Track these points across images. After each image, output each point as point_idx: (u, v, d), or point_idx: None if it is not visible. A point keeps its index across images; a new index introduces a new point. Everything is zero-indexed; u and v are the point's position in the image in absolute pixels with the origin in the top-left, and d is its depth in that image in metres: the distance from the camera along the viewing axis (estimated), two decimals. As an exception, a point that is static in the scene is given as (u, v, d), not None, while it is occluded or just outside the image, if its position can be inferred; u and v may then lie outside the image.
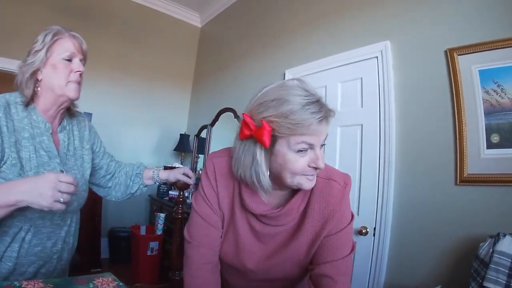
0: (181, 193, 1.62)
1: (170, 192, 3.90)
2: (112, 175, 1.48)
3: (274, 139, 0.84)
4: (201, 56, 4.80)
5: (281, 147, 0.85)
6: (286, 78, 2.87)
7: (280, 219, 0.99)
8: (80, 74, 1.19)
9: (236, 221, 1.03)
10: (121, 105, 4.22)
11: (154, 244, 3.34)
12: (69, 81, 1.16)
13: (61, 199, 0.90)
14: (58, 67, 1.14)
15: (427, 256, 1.79)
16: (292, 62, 2.92)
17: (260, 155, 0.88)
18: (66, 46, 1.16)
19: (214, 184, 1.04)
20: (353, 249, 1.01)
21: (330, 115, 0.85)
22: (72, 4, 3.85)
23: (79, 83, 1.19)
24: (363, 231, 2.08)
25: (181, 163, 4.27)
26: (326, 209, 0.97)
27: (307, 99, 0.83)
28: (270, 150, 0.87)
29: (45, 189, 0.89)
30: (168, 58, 4.61)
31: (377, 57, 2.17)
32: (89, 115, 3.78)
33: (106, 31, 4.11)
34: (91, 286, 0.92)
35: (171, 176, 1.49)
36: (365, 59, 2.26)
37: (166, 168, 3.91)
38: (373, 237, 2.07)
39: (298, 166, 0.86)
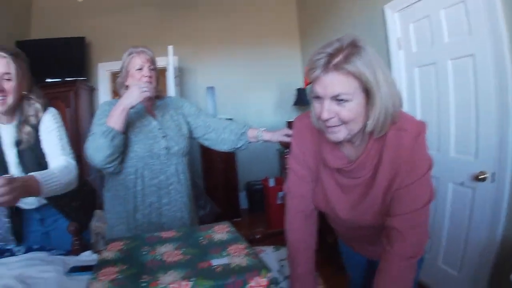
0: (285, 150, 1.81)
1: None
2: (213, 129, 1.78)
3: None
4: (300, 7, 4.73)
5: None
6: (386, 15, 2.65)
7: (355, 172, 1.06)
8: (150, 77, 1.64)
9: (321, 175, 1.15)
10: (238, 74, 4.67)
11: (282, 194, 3.67)
12: None
13: (144, 89, 1.47)
14: (134, 76, 1.63)
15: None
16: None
17: (310, 99, 1.02)
18: (137, 61, 1.63)
19: (300, 143, 1.19)
20: (430, 200, 0.99)
21: (337, 69, 0.89)
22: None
23: (150, 82, 1.63)
24: (481, 176, 1.89)
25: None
26: (396, 161, 0.98)
27: (322, 47, 0.92)
28: None
29: (133, 90, 1.47)
30: (269, 18, 4.77)
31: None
32: (211, 88, 4.29)
33: (210, 13, 4.61)
34: (210, 231, 1.19)
35: (273, 137, 1.69)
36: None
37: (289, 123, 4.16)
38: (491, 183, 1.87)
39: (314, 111, 0.99)
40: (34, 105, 1.53)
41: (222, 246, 1.04)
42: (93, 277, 0.89)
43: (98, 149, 1.45)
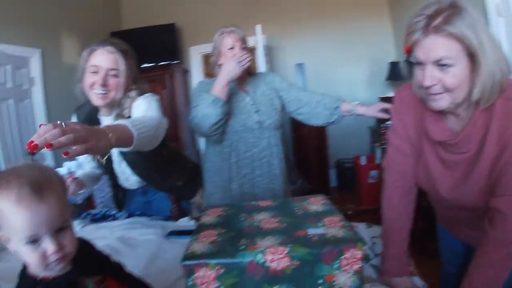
0: (381, 125, 1.74)
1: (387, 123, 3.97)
2: (306, 103, 1.76)
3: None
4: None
5: None
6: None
7: (460, 146, 0.99)
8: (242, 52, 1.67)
9: (424, 149, 1.09)
10: (327, 50, 4.58)
11: (374, 173, 3.57)
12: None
13: (242, 62, 1.55)
14: (226, 55, 1.68)
15: None
16: None
17: (409, 68, 0.97)
18: (228, 41, 1.68)
19: (400, 116, 1.13)
20: None
21: (437, 31, 0.84)
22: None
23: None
24: None
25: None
26: (505, 133, 0.89)
27: (420, 10, 0.87)
28: None
29: (230, 65, 1.55)
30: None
31: None
32: (301, 65, 4.28)
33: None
34: (305, 203, 1.19)
35: (368, 111, 1.64)
36: None
37: (381, 99, 4.04)
38: None
39: (416, 78, 0.93)
40: (130, 96, 1.47)
41: (317, 217, 1.03)
42: (194, 238, 0.95)
43: (205, 117, 1.56)
